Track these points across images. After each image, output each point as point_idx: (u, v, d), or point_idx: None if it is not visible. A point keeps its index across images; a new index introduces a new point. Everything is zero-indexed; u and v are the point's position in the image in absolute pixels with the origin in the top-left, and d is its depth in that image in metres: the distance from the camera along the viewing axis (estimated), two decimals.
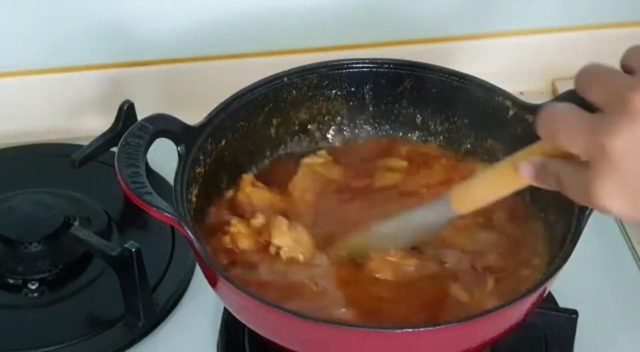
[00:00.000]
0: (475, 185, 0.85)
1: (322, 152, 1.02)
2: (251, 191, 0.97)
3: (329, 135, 1.05)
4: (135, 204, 0.85)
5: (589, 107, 0.93)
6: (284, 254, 0.91)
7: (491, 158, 1.00)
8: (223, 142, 0.97)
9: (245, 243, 0.92)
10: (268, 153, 1.02)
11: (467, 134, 1.02)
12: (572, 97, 0.95)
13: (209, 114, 0.96)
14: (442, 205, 0.87)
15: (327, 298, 0.89)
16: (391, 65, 1.02)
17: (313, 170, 1.00)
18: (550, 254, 0.92)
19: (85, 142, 1.15)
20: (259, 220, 0.93)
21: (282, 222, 0.92)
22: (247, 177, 0.99)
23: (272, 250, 0.92)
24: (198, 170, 0.94)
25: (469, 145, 1.03)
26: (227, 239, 0.93)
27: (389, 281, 0.90)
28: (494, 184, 0.84)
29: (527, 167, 0.78)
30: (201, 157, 0.94)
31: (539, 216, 0.96)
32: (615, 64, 0.75)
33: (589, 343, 0.98)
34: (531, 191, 0.97)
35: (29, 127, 1.25)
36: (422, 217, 0.90)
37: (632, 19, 1.27)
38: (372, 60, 1.03)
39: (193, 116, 0.95)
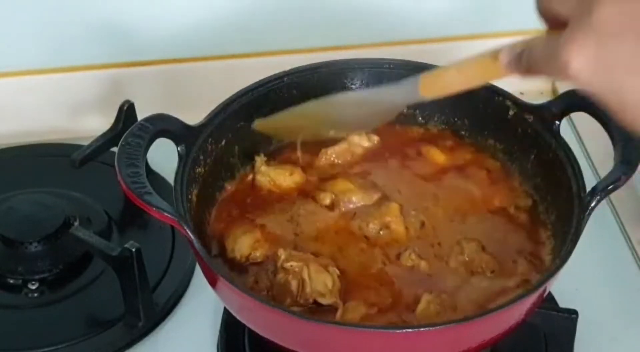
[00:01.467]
0: (448, 71, 0.85)
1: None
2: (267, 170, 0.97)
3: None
4: (135, 204, 0.85)
5: (589, 108, 0.94)
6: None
7: (491, 158, 1.01)
8: (223, 142, 0.97)
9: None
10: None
11: (467, 134, 1.02)
12: (572, 97, 0.96)
13: (209, 114, 0.96)
14: (410, 85, 0.87)
15: None
16: (391, 66, 1.02)
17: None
18: (551, 254, 0.92)
19: (86, 142, 1.15)
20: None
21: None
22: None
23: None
24: (198, 170, 0.94)
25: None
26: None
27: None
28: (467, 72, 0.83)
29: (506, 51, 0.79)
30: (201, 157, 0.94)
31: (539, 216, 0.96)
32: None
33: (589, 343, 0.98)
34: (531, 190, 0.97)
35: (29, 127, 1.25)
36: (387, 94, 0.89)
37: None
38: (372, 61, 1.03)
39: (193, 116, 0.95)
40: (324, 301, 0.87)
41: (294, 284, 0.87)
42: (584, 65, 0.70)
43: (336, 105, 0.91)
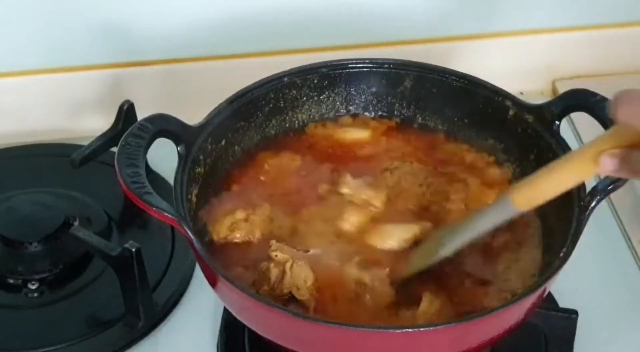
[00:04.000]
0: (540, 179, 0.83)
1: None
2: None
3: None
4: (135, 204, 0.85)
5: (589, 108, 0.94)
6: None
7: (491, 158, 1.01)
8: (223, 142, 0.97)
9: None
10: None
11: (467, 134, 1.02)
12: (572, 97, 0.96)
13: (209, 114, 0.96)
14: (502, 205, 0.86)
15: None
16: (391, 65, 1.02)
17: None
18: (550, 254, 0.92)
19: (85, 142, 1.15)
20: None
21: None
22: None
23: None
24: (198, 170, 0.94)
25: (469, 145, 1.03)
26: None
27: None
28: (561, 177, 0.82)
29: (609, 160, 0.77)
30: (201, 157, 0.94)
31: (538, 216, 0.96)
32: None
33: (589, 343, 0.98)
34: None
35: (29, 127, 1.25)
36: (483, 221, 0.88)
37: (631, 19, 1.27)
38: (372, 60, 1.03)
39: (193, 116, 0.95)
40: (298, 294, 0.87)
41: (274, 273, 0.88)
42: None
43: (440, 241, 0.91)
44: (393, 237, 0.93)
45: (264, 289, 0.88)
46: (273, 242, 0.90)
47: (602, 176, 0.89)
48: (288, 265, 0.88)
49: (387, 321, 0.87)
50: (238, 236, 0.92)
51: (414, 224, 0.94)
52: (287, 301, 0.87)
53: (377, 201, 0.96)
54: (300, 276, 0.88)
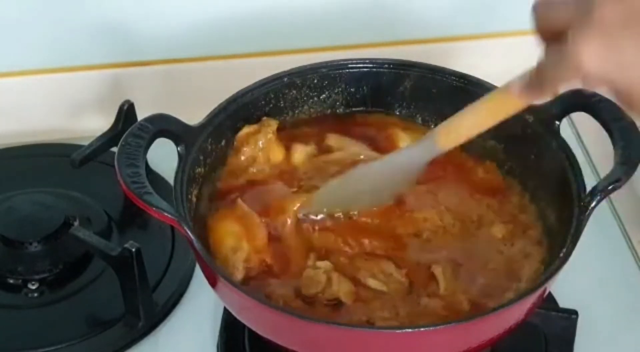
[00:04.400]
0: (463, 117, 0.87)
1: None
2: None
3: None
4: (135, 204, 0.85)
5: (589, 108, 0.94)
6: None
7: (491, 158, 1.01)
8: (223, 142, 0.97)
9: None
10: None
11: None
12: (572, 97, 0.96)
13: (209, 114, 0.96)
14: (425, 143, 0.89)
15: None
16: (391, 66, 1.02)
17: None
18: (550, 254, 0.92)
19: (85, 142, 1.15)
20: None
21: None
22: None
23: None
24: (198, 170, 0.94)
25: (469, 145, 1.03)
26: None
27: None
28: (482, 113, 0.86)
29: (515, 82, 0.82)
30: (201, 157, 0.94)
31: (538, 216, 0.96)
32: None
33: (589, 343, 0.98)
34: (531, 191, 0.97)
35: (29, 127, 1.25)
36: (404, 158, 0.91)
37: None
38: (372, 61, 1.03)
39: (193, 116, 0.95)
40: (345, 298, 0.88)
41: (323, 278, 0.88)
42: (595, 56, 0.72)
43: (355, 180, 0.93)
44: None
45: (312, 292, 0.88)
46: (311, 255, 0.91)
47: (602, 176, 0.89)
48: (335, 275, 0.89)
49: (415, 308, 0.88)
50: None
51: None
52: (333, 305, 0.88)
53: None
54: (345, 284, 0.88)
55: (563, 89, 0.79)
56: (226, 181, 0.97)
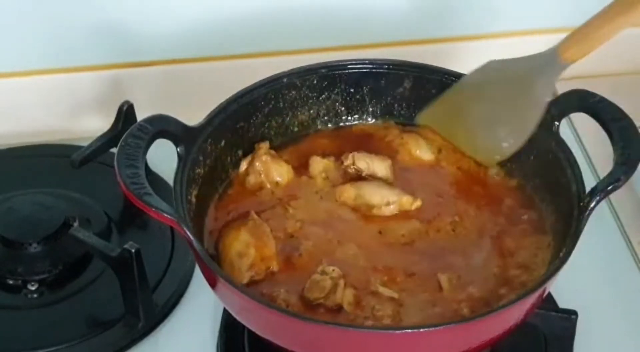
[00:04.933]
0: (591, 24, 0.83)
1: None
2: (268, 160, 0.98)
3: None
4: (134, 204, 0.85)
5: (589, 108, 0.94)
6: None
7: None
8: (222, 142, 0.97)
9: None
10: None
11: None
12: (572, 98, 0.96)
13: (209, 115, 0.96)
14: (546, 58, 0.87)
15: None
16: (391, 66, 1.02)
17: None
18: (550, 254, 0.92)
19: (85, 143, 1.15)
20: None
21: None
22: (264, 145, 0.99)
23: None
24: (198, 171, 0.94)
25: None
26: None
27: None
28: (607, 17, 0.83)
29: None
30: (201, 158, 0.94)
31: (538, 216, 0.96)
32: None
33: (588, 343, 0.98)
34: (531, 192, 0.97)
35: (29, 128, 1.25)
36: (526, 66, 0.88)
37: None
38: (371, 61, 1.03)
39: (193, 117, 0.95)
40: (348, 306, 0.88)
41: (328, 284, 0.88)
42: None
43: (485, 74, 0.91)
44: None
45: (315, 297, 0.88)
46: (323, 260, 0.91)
47: (602, 177, 0.89)
48: (342, 281, 0.89)
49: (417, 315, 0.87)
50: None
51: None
52: (334, 310, 0.88)
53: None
54: (349, 293, 0.88)
55: None
56: (237, 202, 0.97)
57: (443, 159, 1.01)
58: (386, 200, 0.96)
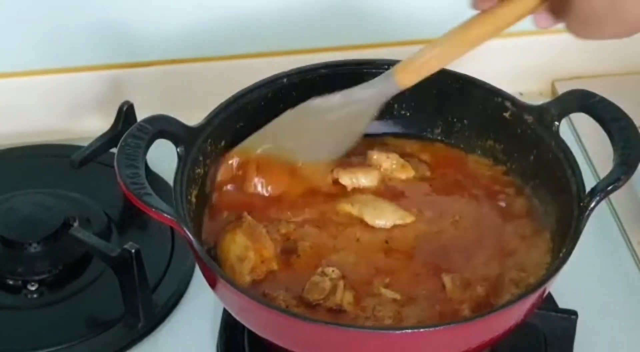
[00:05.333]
0: (426, 50, 0.87)
1: None
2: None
3: None
4: (134, 204, 0.85)
5: (589, 109, 0.94)
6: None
7: (491, 159, 1.01)
8: (222, 143, 0.97)
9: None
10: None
11: (466, 135, 1.02)
12: (572, 98, 0.96)
13: (209, 115, 0.96)
14: (383, 80, 0.89)
15: None
16: (390, 67, 1.02)
17: None
18: (550, 254, 0.92)
19: (85, 143, 1.15)
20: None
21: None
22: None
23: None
24: (197, 171, 0.94)
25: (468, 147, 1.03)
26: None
27: None
28: (441, 46, 0.86)
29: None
30: (201, 158, 0.94)
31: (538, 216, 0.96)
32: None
33: (588, 344, 0.98)
34: (530, 192, 0.97)
35: (28, 128, 1.25)
36: (360, 95, 0.90)
37: None
38: (371, 61, 1.03)
39: (193, 117, 0.95)
40: (348, 307, 0.88)
41: (327, 285, 0.88)
42: None
43: (311, 113, 0.92)
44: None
45: (314, 298, 0.88)
46: (323, 261, 0.91)
47: (601, 177, 0.89)
48: (341, 283, 0.89)
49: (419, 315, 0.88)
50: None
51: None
52: (334, 311, 0.88)
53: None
54: (349, 295, 0.88)
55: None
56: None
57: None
58: (378, 220, 0.96)
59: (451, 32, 0.86)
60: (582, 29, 0.79)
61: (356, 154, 1.00)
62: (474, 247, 0.93)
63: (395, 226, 0.95)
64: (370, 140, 1.01)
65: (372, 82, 0.92)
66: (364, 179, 0.98)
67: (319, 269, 0.90)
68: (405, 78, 0.89)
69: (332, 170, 0.98)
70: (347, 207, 0.96)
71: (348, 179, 0.98)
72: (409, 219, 0.96)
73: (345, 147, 0.96)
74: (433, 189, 0.99)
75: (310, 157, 0.94)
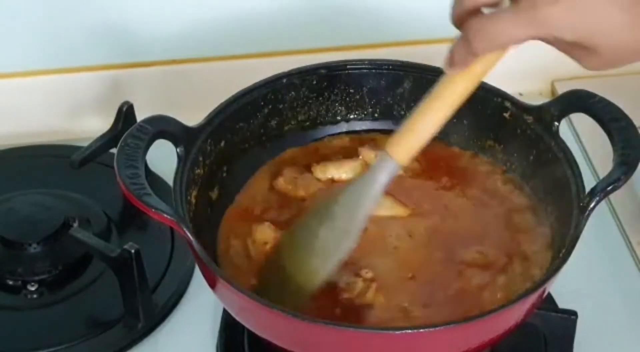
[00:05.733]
0: (415, 121, 0.83)
1: None
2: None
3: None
4: (134, 205, 0.85)
5: (588, 109, 0.94)
6: None
7: (490, 158, 1.01)
8: (222, 143, 0.97)
9: None
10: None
11: (465, 135, 1.02)
12: (571, 98, 0.96)
13: (208, 115, 0.96)
14: (381, 165, 0.84)
15: None
16: (390, 67, 1.02)
17: None
18: (550, 254, 0.92)
19: (85, 143, 1.15)
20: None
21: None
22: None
23: None
24: (197, 171, 0.94)
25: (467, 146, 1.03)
26: None
27: None
28: (428, 113, 0.83)
29: (447, 58, 0.80)
30: (200, 159, 0.94)
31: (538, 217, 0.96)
32: None
33: (588, 344, 0.98)
34: (530, 192, 0.97)
35: (28, 128, 1.25)
36: (363, 186, 0.85)
37: None
38: (371, 62, 1.03)
39: (192, 117, 0.95)
40: (378, 306, 0.89)
41: (360, 286, 0.89)
42: (561, 10, 0.72)
43: (318, 218, 0.89)
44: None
45: (345, 298, 0.89)
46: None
47: (601, 177, 0.89)
48: (374, 285, 0.90)
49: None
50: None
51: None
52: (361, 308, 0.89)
53: None
54: (379, 296, 0.89)
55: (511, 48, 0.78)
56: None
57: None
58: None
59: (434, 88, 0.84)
60: (603, 68, 0.78)
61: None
62: (479, 237, 0.94)
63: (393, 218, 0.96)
64: (360, 138, 1.03)
65: (367, 172, 0.86)
66: (342, 172, 0.99)
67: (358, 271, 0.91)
68: (401, 155, 0.83)
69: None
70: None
71: (320, 172, 0.99)
72: (405, 212, 0.96)
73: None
74: (427, 184, 1.00)
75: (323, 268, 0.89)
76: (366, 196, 0.86)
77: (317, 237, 0.88)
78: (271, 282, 0.89)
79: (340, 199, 0.87)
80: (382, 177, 0.84)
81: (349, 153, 1.02)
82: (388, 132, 1.03)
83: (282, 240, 0.92)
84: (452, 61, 0.79)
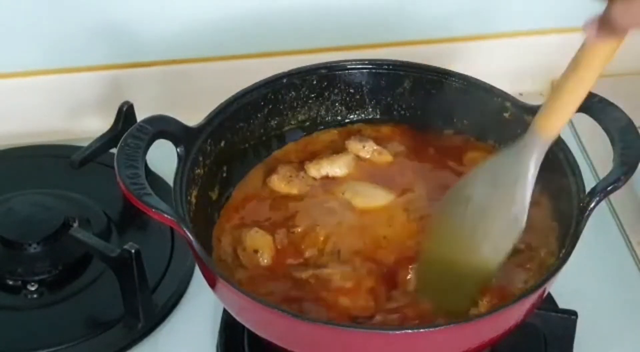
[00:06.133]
0: (556, 95, 0.82)
1: None
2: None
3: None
4: (134, 205, 0.85)
5: (589, 109, 0.94)
6: None
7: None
8: (222, 143, 0.97)
9: None
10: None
11: (466, 135, 1.02)
12: None
13: (208, 115, 0.96)
14: (527, 141, 0.84)
15: None
16: (390, 67, 1.02)
17: None
18: (550, 254, 0.92)
19: (85, 144, 1.15)
20: None
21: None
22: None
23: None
24: (197, 171, 0.94)
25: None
26: None
27: None
28: (573, 79, 0.82)
29: (589, 26, 0.77)
30: (200, 159, 0.94)
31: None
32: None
33: (588, 344, 0.98)
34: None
35: (28, 128, 1.25)
36: (518, 167, 0.84)
37: None
38: (371, 62, 1.03)
39: (192, 117, 0.95)
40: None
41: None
42: None
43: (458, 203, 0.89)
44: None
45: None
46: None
47: (601, 177, 0.89)
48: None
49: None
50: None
51: None
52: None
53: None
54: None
55: None
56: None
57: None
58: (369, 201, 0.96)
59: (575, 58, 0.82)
60: None
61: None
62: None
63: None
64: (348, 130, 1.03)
65: (509, 148, 0.86)
66: (336, 167, 0.99)
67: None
68: (548, 128, 0.84)
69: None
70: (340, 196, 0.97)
71: (315, 170, 0.99)
72: (392, 196, 0.97)
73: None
74: (419, 168, 1.00)
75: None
76: (525, 177, 0.86)
77: (477, 226, 0.88)
78: (430, 278, 0.89)
79: (491, 185, 0.87)
80: (537, 155, 0.85)
81: (339, 147, 1.02)
82: (373, 122, 1.04)
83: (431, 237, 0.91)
84: (600, 32, 0.78)
